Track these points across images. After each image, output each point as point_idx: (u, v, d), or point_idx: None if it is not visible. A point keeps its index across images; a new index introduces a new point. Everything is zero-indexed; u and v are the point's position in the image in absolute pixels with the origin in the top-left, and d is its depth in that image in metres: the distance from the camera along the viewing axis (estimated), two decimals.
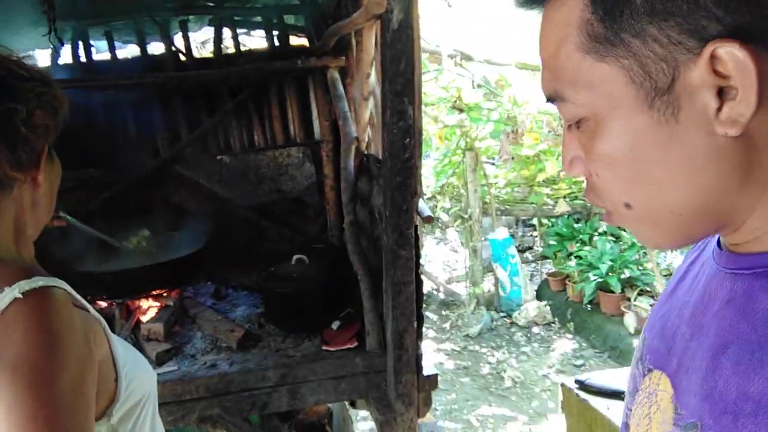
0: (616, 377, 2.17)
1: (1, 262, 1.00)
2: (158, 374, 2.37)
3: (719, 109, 0.51)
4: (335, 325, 2.55)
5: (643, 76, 0.52)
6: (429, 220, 2.15)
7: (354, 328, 2.52)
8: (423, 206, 2.16)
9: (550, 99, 0.60)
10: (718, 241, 0.64)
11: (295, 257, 2.67)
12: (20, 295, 0.90)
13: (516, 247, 7.06)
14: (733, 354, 0.54)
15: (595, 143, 0.58)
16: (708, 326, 0.59)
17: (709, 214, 0.57)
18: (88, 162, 3.19)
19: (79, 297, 1.04)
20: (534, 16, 0.61)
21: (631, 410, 0.73)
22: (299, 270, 2.62)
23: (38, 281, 0.96)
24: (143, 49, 3.34)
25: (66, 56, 3.28)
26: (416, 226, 2.13)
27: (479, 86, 5.47)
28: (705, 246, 0.70)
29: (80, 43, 3.26)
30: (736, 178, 0.54)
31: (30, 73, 1.02)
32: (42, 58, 3.31)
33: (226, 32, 3.41)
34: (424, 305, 2.22)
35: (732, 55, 0.48)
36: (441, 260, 8.39)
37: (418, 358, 2.24)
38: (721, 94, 0.50)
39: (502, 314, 6.64)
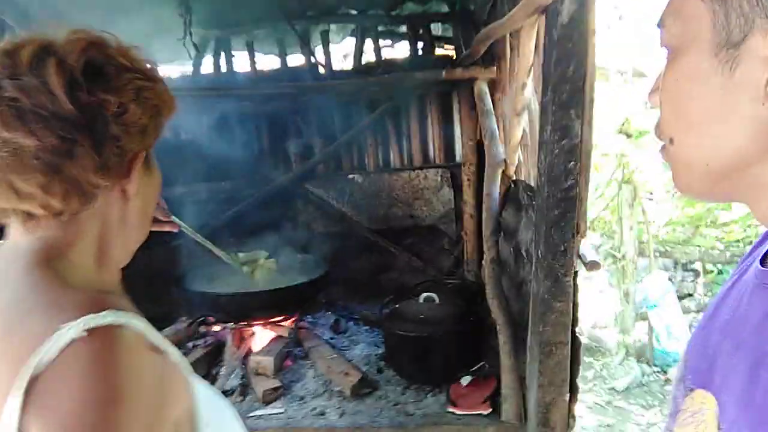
0: None
1: (71, 288, 0.83)
2: (262, 416, 2.12)
3: None
4: (465, 380, 2.15)
5: (724, 24, 0.55)
6: (594, 266, 1.70)
7: (488, 387, 2.10)
8: (587, 249, 1.71)
9: (658, 25, 0.63)
10: (762, 261, 0.65)
11: (423, 295, 2.31)
12: (84, 333, 0.74)
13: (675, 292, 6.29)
14: None
15: (667, 72, 0.62)
16: (748, 340, 0.60)
17: (734, 175, 0.59)
18: (220, 175, 3.08)
19: (157, 337, 0.83)
20: None
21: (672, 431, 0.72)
22: (427, 310, 2.25)
23: (107, 317, 0.76)
24: (283, 60, 3.20)
25: (208, 66, 3.21)
26: (576, 274, 1.68)
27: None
28: (747, 267, 0.70)
29: (222, 53, 3.18)
30: (766, 152, 0.56)
31: (132, 63, 0.87)
32: (183, 68, 3.27)
33: (369, 45, 3.17)
34: None
35: None
36: (586, 300, 7.67)
37: None
38: None
39: (655, 368, 5.85)
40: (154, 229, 1.72)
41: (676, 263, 7.61)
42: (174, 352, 0.85)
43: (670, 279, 6.65)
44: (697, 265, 7.03)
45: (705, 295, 6.79)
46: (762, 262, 0.66)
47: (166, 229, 1.77)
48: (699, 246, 6.40)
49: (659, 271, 6.34)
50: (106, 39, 0.86)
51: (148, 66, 0.90)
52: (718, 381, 0.63)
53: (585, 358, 6.15)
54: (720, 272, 6.31)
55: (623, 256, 6.12)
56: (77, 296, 0.80)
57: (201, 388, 0.92)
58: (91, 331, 0.74)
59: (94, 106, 0.81)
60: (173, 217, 1.77)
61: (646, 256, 6.34)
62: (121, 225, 0.91)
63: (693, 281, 7.56)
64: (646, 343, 6.09)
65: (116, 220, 0.90)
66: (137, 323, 0.80)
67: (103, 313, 0.77)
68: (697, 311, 6.90)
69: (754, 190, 0.60)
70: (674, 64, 0.61)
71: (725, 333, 0.66)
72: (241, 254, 2.55)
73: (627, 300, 6.11)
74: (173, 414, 0.82)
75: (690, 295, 7.36)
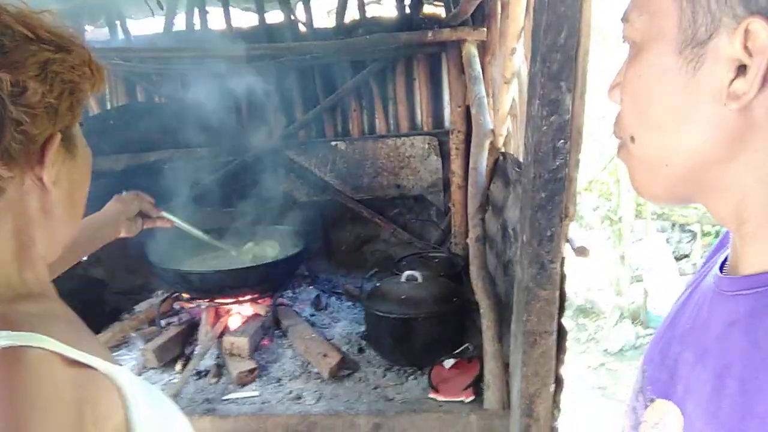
0: None
1: None
2: (236, 399, 2.04)
3: (732, 82, 0.52)
4: (448, 363, 2.05)
5: (690, 22, 0.54)
6: (583, 252, 1.58)
7: (472, 371, 2.01)
8: (576, 233, 1.58)
9: (622, 19, 0.62)
10: (721, 267, 0.65)
11: (405, 273, 2.19)
12: None
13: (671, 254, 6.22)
14: (738, 374, 0.54)
15: (629, 67, 0.61)
16: (711, 349, 0.60)
17: (694, 176, 0.59)
18: (196, 140, 2.93)
19: (80, 352, 0.71)
20: None
21: None
22: (409, 290, 2.14)
23: (3, 339, 0.65)
24: (261, 17, 3.00)
25: (180, 23, 3.02)
26: (564, 260, 1.56)
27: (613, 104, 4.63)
28: (706, 273, 0.70)
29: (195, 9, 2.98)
30: (727, 152, 0.56)
31: (36, 32, 0.73)
32: (156, 24, 3.08)
33: (353, 1, 2.97)
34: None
35: (762, 31, 0.49)
36: (581, 262, 7.61)
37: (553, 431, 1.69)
38: (742, 70, 0.52)
39: (649, 331, 5.84)
40: (147, 226, 1.61)
41: (673, 224, 7.52)
42: (102, 365, 0.74)
43: (667, 240, 6.55)
44: (695, 227, 6.95)
45: (702, 257, 6.73)
46: (721, 269, 0.66)
47: (158, 225, 1.67)
48: (697, 208, 6.27)
49: (656, 233, 6.24)
50: (1, 4, 0.72)
51: (62, 34, 0.76)
52: (681, 391, 0.63)
53: (579, 320, 6.12)
54: (717, 235, 6.21)
55: (620, 219, 6.03)
56: None
57: (147, 398, 0.81)
58: None
59: None
60: (164, 213, 1.66)
61: (643, 218, 6.24)
62: (43, 217, 0.79)
63: (690, 242, 7.49)
64: (640, 305, 6.08)
65: (36, 212, 0.78)
66: (46, 342, 0.69)
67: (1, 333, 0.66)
68: (694, 273, 6.86)
69: (713, 191, 0.60)
70: (637, 61, 0.60)
71: (686, 342, 0.66)
72: (249, 244, 2.48)
73: (623, 262, 6.06)
74: (101, 430, 0.71)
75: (686, 256, 7.31)
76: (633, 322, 5.94)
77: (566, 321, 1.67)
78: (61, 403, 0.67)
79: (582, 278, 7.08)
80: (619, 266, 6.07)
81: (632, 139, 0.63)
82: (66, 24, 0.79)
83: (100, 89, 0.83)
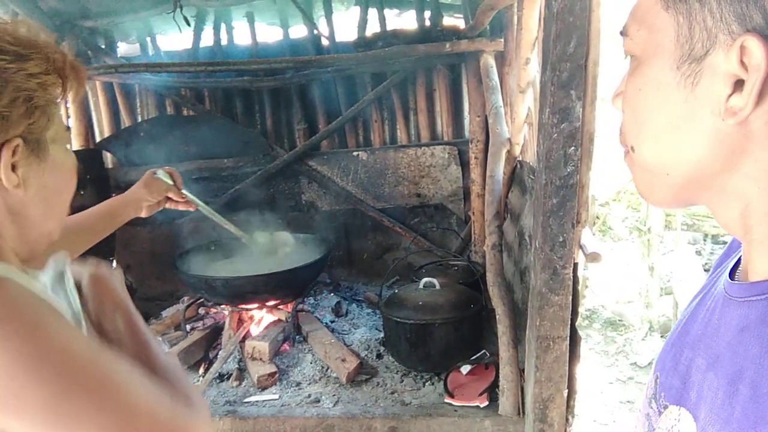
0: None
1: None
2: (256, 402, 2.09)
3: (729, 97, 0.53)
4: (465, 369, 2.07)
5: (687, 38, 0.55)
6: (595, 257, 1.59)
7: (488, 377, 2.02)
8: (588, 238, 1.60)
9: (621, 33, 0.63)
10: (731, 274, 0.65)
11: (423, 280, 2.22)
12: None
13: (702, 266, 6.07)
14: (750, 380, 0.54)
15: (629, 80, 0.62)
16: (723, 355, 0.60)
17: (696, 184, 0.60)
18: (223, 151, 3.01)
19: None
20: None
21: None
22: (427, 296, 2.17)
23: None
24: (285, 32, 3.08)
25: (208, 38, 3.11)
26: (576, 265, 1.58)
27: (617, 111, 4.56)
28: (716, 280, 0.70)
29: (222, 25, 3.08)
30: (727, 163, 0.56)
31: None
32: (185, 40, 3.18)
33: (374, 14, 3.03)
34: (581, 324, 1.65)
35: (756, 49, 0.50)
36: (610, 274, 7.50)
37: None
38: (739, 85, 0.52)
39: None
40: (169, 206, 1.66)
41: (705, 236, 7.38)
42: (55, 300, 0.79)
43: (698, 252, 6.41)
44: (728, 239, 6.80)
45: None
46: (731, 275, 0.66)
47: (182, 208, 1.70)
48: None
49: (686, 244, 6.11)
50: None
51: (28, 43, 0.77)
52: (694, 398, 0.63)
53: (607, 333, 6.02)
54: None
55: (649, 229, 5.93)
56: None
57: None
58: None
59: None
60: (188, 194, 1.69)
61: (673, 229, 6.12)
62: (11, 216, 0.81)
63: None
64: (670, 317, 5.96)
65: (2, 212, 0.80)
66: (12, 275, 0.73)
67: None
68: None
69: (715, 199, 0.61)
70: (637, 74, 0.61)
71: (697, 348, 0.66)
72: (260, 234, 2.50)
73: (652, 274, 5.95)
74: None
75: None
76: (662, 335, 5.81)
77: (594, 334, 1.69)
78: (51, 311, 0.71)
79: (610, 290, 6.99)
80: (649, 278, 5.95)
81: (632, 149, 0.64)
82: (42, 33, 0.79)
83: (79, 93, 0.85)
